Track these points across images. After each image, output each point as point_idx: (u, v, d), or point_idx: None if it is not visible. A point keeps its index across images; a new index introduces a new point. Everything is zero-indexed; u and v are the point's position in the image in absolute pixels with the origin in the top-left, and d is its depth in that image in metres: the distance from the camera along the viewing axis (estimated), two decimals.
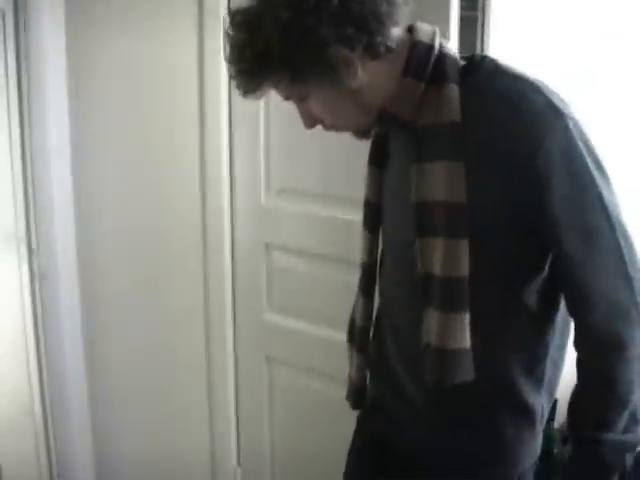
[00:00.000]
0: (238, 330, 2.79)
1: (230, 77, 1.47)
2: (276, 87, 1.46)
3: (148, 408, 3.18)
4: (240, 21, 1.40)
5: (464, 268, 1.41)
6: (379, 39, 1.37)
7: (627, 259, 1.39)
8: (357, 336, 1.80)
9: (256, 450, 2.81)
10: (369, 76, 1.42)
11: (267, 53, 1.36)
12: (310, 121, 1.55)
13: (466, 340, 1.44)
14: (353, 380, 1.83)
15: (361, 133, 1.58)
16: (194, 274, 2.81)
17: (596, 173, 1.35)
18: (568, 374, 2.32)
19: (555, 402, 2.36)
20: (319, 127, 1.57)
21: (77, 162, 3.09)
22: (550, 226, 1.37)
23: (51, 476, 3.28)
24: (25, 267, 3.12)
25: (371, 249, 1.74)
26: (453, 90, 1.41)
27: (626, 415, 1.41)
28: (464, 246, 1.40)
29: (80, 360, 3.24)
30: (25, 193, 3.06)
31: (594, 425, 1.43)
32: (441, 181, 1.41)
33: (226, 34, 1.42)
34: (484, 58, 1.47)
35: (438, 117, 1.42)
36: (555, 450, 2.40)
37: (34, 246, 3.07)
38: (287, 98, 1.51)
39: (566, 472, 1.54)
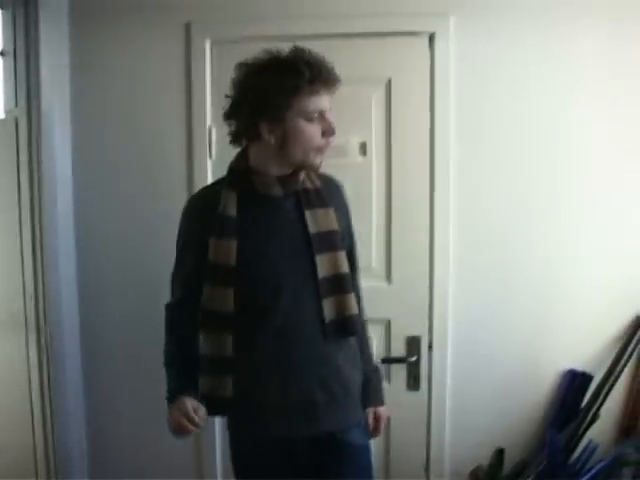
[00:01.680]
0: None
1: None
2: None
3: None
4: None
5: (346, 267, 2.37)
6: None
7: None
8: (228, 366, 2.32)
9: None
10: None
11: None
12: None
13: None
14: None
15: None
16: None
17: None
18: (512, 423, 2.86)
19: (502, 452, 2.94)
20: None
21: (81, 252, 3.38)
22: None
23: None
24: (33, 344, 3.31)
25: (230, 300, 2.29)
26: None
27: None
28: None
29: (82, 426, 3.48)
30: (35, 279, 3.26)
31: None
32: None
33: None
34: None
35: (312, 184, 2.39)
36: None
37: (42, 325, 3.27)
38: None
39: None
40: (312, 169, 2.35)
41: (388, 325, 3.17)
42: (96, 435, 3.52)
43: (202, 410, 2.34)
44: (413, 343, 3.16)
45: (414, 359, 3.16)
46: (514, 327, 3.18)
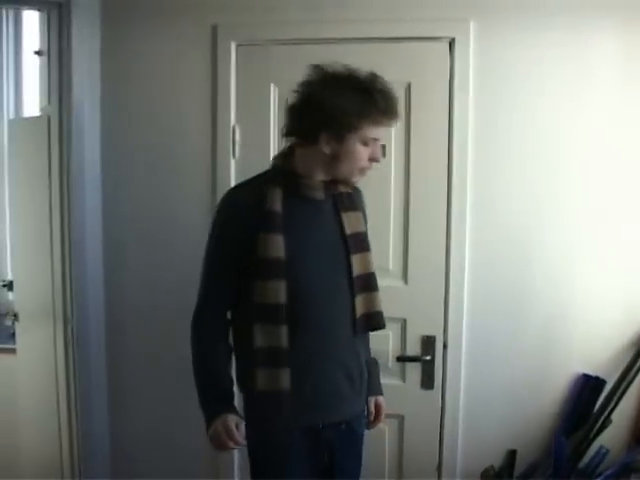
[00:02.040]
0: None
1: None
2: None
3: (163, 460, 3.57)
4: None
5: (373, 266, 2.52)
6: None
7: None
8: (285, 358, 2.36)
9: None
10: None
11: None
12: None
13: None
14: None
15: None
16: None
17: None
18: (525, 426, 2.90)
19: (514, 453, 2.98)
20: None
21: (108, 244, 3.49)
22: None
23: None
24: (61, 333, 3.44)
25: (282, 292, 2.34)
26: None
27: None
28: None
29: (105, 410, 3.59)
30: (62, 273, 3.40)
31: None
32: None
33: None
34: None
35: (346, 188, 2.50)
36: None
37: (69, 316, 3.40)
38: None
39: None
40: (350, 185, 2.50)
41: (404, 324, 3.22)
42: (118, 427, 3.64)
43: (243, 426, 2.42)
44: (428, 342, 3.21)
45: (428, 358, 3.21)
46: (528, 329, 3.21)
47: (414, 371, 3.25)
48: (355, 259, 2.47)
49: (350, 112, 2.29)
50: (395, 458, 3.33)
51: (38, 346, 3.73)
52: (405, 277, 3.20)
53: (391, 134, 3.12)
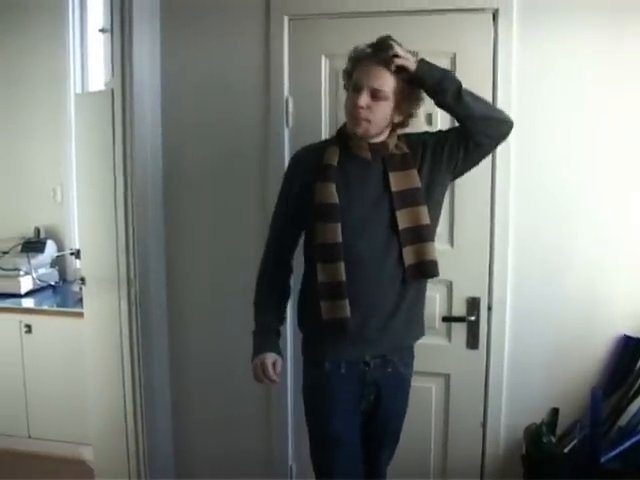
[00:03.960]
0: None
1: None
2: (385, 77, 2.58)
3: (219, 410, 3.76)
4: None
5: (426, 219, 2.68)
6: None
7: None
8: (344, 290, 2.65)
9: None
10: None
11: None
12: (364, 110, 2.58)
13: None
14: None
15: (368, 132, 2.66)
16: None
17: None
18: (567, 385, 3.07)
19: (557, 411, 3.06)
20: None
21: (167, 211, 3.68)
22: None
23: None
24: (125, 297, 3.62)
25: (338, 233, 2.63)
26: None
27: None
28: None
29: (166, 372, 3.78)
30: (126, 241, 3.56)
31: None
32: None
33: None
34: None
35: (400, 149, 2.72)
36: (544, 440, 3.08)
37: (132, 279, 3.57)
38: (379, 85, 2.57)
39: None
40: (355, 137, 2.70)
41: (450, 286, 3.34)
42: (178, 384, 3.83)
43: (279, 363, 2.81)
44: (473, 304, 3.33)
45: (473, 319, 3.33)
46: (571, 292, 3.29)
47: (460, 331, 3.37)
48: (402, 213, 2.68)
49: (348, 61, 2.70)
50: (441, 414, 3.47)
51: (103, 309, 3.92)
52: (451, 240, 3.31)
53: None
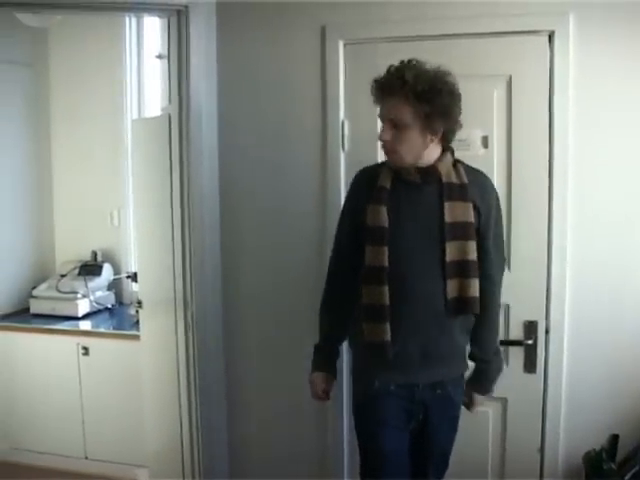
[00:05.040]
0: None
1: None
2: (402, 108, 2.58)
3: (275, 432, 3.76)
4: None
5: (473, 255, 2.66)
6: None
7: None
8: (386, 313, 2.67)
9: None
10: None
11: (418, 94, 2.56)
12: (391, 139, 2.63)
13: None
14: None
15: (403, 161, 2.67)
16: None
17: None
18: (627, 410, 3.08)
19: (617, 438, 3.01)
20: None
21: (224, 233, 3.67)
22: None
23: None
24: (181, 319, 3.67)
25: (385, 257, 2.66)
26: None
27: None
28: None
29: (222, 395, 3.74)
30: (183, 264, 3.61)
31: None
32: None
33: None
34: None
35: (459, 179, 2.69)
36: (604, 467, 3.04)
37: (188, 302, 3.60)
38: (397, 117, 2.60)
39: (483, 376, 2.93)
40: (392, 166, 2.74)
41: (507, 309, 3.30)
42: (235, 414, 3.82)
43: (331, 383, 2.97)
44: (530, 327, 3.29)
45: (531, 342, 3.29)
46: (631, 314, 3.24)
47: (517, 355, 3.33)
48: (450, 245, 2.67)
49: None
50: (498, 439, 3.42)
51: (160, 332, 3.97)
52: (508, 263, 3.26)
53: (493, 124, 3.23)
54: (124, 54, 5.20)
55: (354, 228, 2.80)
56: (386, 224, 2.67)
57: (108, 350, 4.71)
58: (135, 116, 5.19)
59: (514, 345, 3.32)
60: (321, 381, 2.95)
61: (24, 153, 5.38)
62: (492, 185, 2.88)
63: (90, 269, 5.24)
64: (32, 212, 5.47)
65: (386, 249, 2.66)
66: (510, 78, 3.20)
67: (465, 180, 2.72)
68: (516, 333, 3.32)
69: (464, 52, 3.16)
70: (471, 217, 2.70)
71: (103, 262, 5.30)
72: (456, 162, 2.77)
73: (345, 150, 3.43)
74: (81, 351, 4.73)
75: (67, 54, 5.32)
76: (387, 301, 2.66)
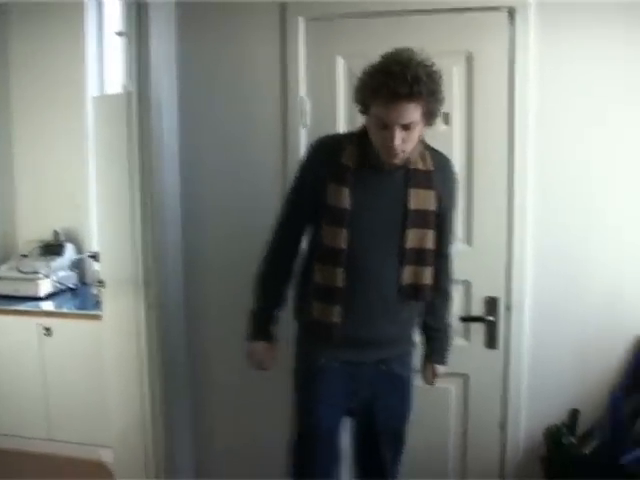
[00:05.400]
0: None
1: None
2: (416, 109, 2.44)
3: (240, 412, 3.75)
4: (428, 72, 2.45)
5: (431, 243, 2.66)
6: None
7: None
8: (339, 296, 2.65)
9: None
10: None
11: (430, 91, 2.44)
12: (401, 143, 2.47)
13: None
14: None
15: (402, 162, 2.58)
16: None
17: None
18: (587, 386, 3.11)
19: (577, 412, 3.02)
20: None
21: (185, 212, 3.66)
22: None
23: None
24: (143, 299, 3.61)
25: (345, 239, 2.60)
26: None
27: None
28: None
29: (185, 374, 3.76)
30: (144, 243, 3.56)
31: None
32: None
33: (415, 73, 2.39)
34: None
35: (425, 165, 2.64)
36: (564, 441, 3.06)
37: (150, 282, 3.57)
38: (410, 121, 2.44)
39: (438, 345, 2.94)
40: (388, 164, 2.61)
41: (468, 286, 3.32)
42: (199, 387, 3.83)
43: (273, 352, 2.92)
44: (491, 304, 3.31)
45: (492, 319, 3.31)
46: (591, 292, 3.26)
47: (478, 331, 3.35)
48: (411, 233, 2.65)
49: (363, 88, 2.53)
50: (460, 416, 3.45)
51: (122, 312, 3.92)
52: (469, 240, 3.29)
53: (454, 101, 3.21)
54: (85, 30, 5.11)
55: (309, 203, 2.73)
56: (348, 206, 2.61)
57: (70, 330, 4.66)
58: (96, 93, 5.12)
59: (475, 321, 3.33)
60: (263, 350, 2.91)
61: None
62: (453, 168, 2.86)
63: (52, 249, 5.17)
64: None
65: (345, 231, 2.61)
66: (471, 54, 3.19)
67: (431, 167, 2.69)
68: (477, 309, 3.33)
69: (424, 28, 3.15)
70: (433, 205, 2.68)
71: (65, 242, 5.24)
72: (425, 148, 2.72)
73: (306, 127, 3.41)
74: (43, 332, 4.68)
75: (27, 30, 5.22)
76: (341, 283, 2.64)
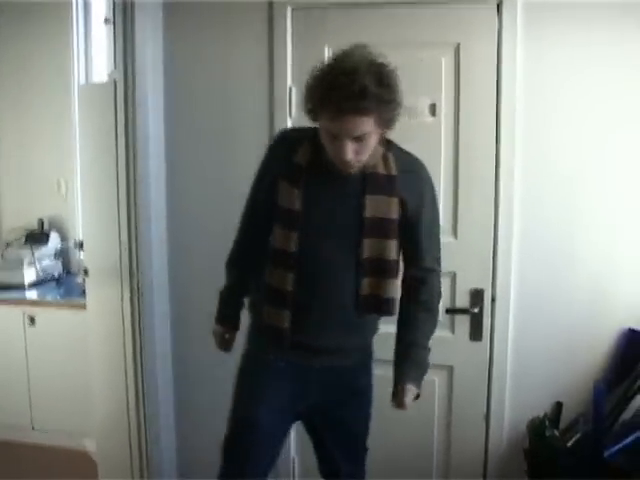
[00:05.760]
0: None
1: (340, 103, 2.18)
2: (367, 121, 2.22)
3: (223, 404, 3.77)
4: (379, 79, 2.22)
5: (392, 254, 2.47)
6: None
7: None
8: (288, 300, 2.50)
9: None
10: None
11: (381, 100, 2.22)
12: (353, 155, 2.29)
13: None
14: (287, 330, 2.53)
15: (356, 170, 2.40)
16: None
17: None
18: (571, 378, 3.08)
19: (561, 405, 3.02)
20: None
21: (170, 202, 3.66)
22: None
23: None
24: (127, 288, 3.63)
25: (294, 242, 2.45)
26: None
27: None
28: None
29: (168, 364, 3.76)
30: (129, 231, 3.58)
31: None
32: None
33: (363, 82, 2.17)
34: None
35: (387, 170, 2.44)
36: (547, 434, 3.07)
37: (135, 271, 3.60)
38: (362, 133, 2.25)
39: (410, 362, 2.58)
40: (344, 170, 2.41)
41: (453, 278, 3.31)
42: (182, 377, 3.82)
43: (232, 336, 2.90)
44: (477, 295, 3.31)
45: (477, 310, 3.31)
46: (576, 284, 3.26)
47: (463, 323, 3.35)
48: (367, 243, 2.47)
49: (307, 98, 2.35)
50: (444, 407, 3.45)
51: (106, 301, 3.92)
52: (455, 232, 3.29)
53: (441, 92, 3.21)
54: (72, 17, 5.09)
55: (263, 201, 2.59)
56: (297, 207, 2.44)
57: (55, 319, 4.66)
58: (83, 82, 5.10)
59: (460, 313, 3.34)
60: (223, 333, 2.87)
61: None
62: (427, 175, 2.57)
63: (37, 237, 5.16)
64: None
65: (295, 235, 2.45)
66: (458, 46, 3.18)
67: (393, 172, 2.46)
68: (462, 301, 3.33)
69: (413, 19, 3.15)
70: (394, 214, 2.47)
71: (50, 230, 5.22)
72: (388, 150, 2.49)
73: (292, 117, 3.39)
74: (27, 321, 4.68)
75: (12, 18, 5.19)
76: (290, 288, 2.48)
